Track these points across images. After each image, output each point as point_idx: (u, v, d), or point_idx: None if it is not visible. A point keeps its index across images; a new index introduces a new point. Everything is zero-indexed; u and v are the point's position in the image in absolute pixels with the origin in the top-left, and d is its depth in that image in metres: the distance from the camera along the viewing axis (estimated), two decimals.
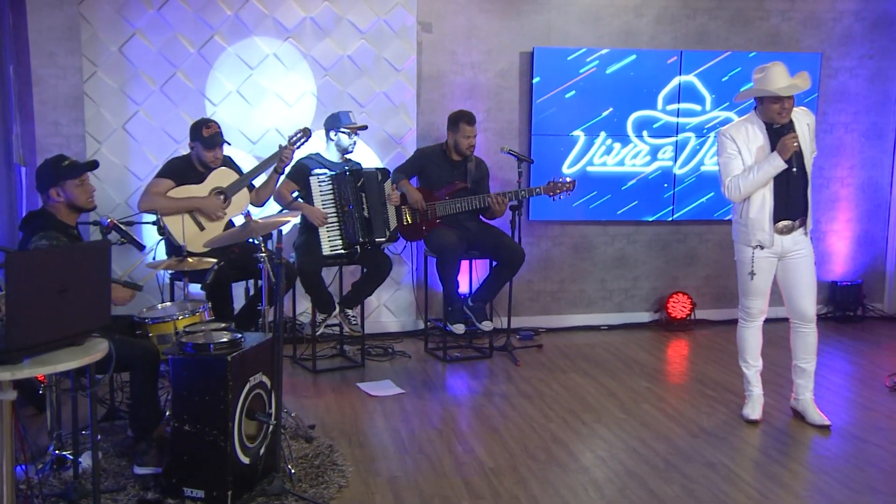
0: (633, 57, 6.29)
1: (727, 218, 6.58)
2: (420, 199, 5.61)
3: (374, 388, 5.11)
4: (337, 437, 4.34)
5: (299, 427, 4.29)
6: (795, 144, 4.24)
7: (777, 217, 4.35)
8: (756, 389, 4.62)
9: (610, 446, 4.27)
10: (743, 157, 4.35)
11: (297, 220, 5.40)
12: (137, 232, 5.46)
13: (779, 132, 4.32)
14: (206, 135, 4.84)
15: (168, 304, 4.36)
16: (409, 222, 5.67)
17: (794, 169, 4.31)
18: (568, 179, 5.64)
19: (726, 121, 6.43)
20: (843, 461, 4.10)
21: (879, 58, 6.73)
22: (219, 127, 4.91)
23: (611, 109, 6.33)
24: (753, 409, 4.60)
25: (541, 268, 6.50)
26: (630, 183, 6.45)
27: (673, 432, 4.45)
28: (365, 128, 5.51)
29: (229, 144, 5.01)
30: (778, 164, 4.25)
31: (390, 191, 5.51)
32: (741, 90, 4.44)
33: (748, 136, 4.35)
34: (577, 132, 6.31)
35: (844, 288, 6.84)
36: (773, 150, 4.29)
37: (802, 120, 4.38)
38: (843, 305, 6.84)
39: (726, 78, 6.41)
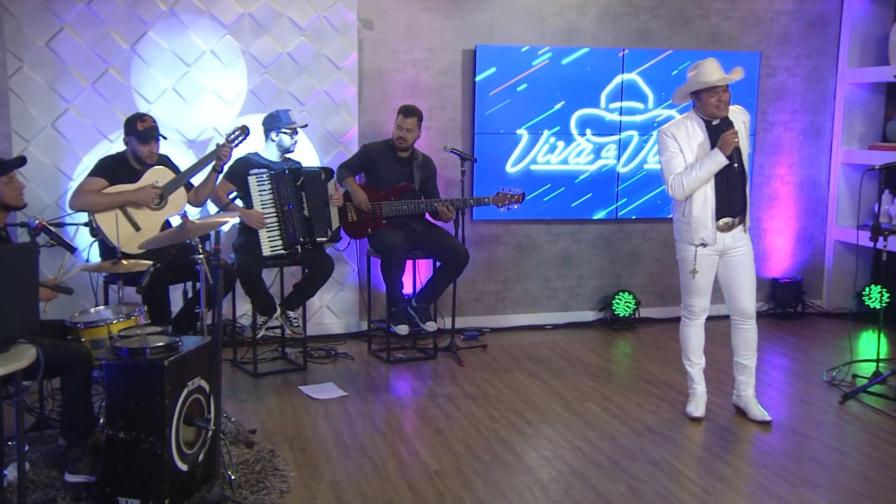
0: (577, 55, 6.36)
1: (670, 216, 6.69)
2: (365, 199, 5.59)
3: (317, 390, 5.08)
4: (278, 441, 4.30)
5: (240, 432, 4.25)
6: (736, 140, 4.33)
7: (718, 214, 4.43)
8: (699, 387, 4.71)
9: (555, 446, 4.31)
10: (684, 155, 4.43)
11: (235, 220, 5.34)
12: (68, 234, 5.35)
13: (718, 129, 4.40)
14: (141, 129, 4.76)
15: (101, 307, 4.27)
16: (354, 220, 5.65)
17: (736, 165, 4.40)
18: (517, 191, 5.67)
19: (669, 119, 6.53)
20: (783, 456, 4.20)
21: (816, 57, 6.91)
22: (154, 121, 4.83)
23: (554, 108, 6.38)
24: (697, 407, 4.68)
25: (485, 268, 6.53)
26: (574, 181, 6.51)
27: (618, 431, 4.51)
28: (305, 126, 5.48)
29: (165, 139, 4.93)
30: (720, 159, 4.34)
31: (333, 190, 5.48)
32: (677, 89, 4.51)
33: (688, 134, 4.44)
34: (520, 130, 6.35)
35: (785, 285, 7.00)
36: (713, 147, 4.38)
37: (738, 118, 4.48)
38: (784, 302, 7.00)
39: (674, 72, 6.51)
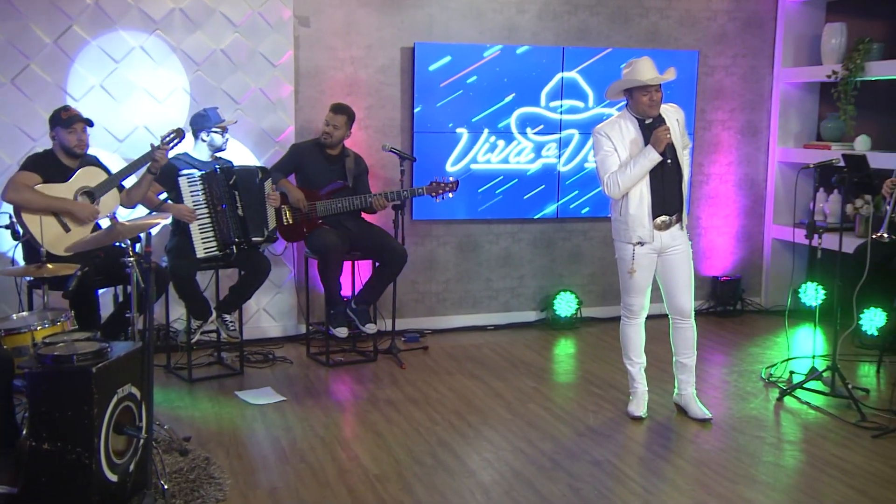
0: (517, 52, 6.39)
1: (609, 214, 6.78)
2: (301, 197, 5.56)
3: (254, 395, 5.03)
4: (214, 448, 4.24)
5: (173, 440, 4.18)
6: (668, 136, 4.39)
7: (655, 213, 4.50)
8: (640, 386, 4.77)
9: (496, 448, 4.33)
10: (619, 154, 4.48)
11: (167, 221, 5.25)
12: None
13: (651, 127, 4.47)
14: (65, 116, 4.66)
15: (25, 313, 4.16)
16: (290, 222, 5.60)
17: (669, 161, 4.46)
18: (451, 179, 5.70)
19: (607, 117, 6.60)
20: (723, 453, 4.29)
21: (752, 57, 7.06)
22: (78, 112, 4.75)
23: (495, 106, 6.41)
24: (638, 406, 4.75)
25: (425, 268, 6.53)
26: (514, 181, 6.55)
27: (559, 431, 4.55)
28: (235, 122, 5.42)
29: (92, 125, 4.81)
30: (653, 156, 4.40)
31: (270, 191, 5.43)
32: (610, 85, 4.57)
33: (622, 133, 4.50)
34: (460, 129, 6.37)
35: (724, 283, 7.14)
36: (644, 144, 4.45)
37: (672, 115, 4.56)
38: (724, 300, 7.14)
39: (614, 70, 6.57)
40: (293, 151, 5.73)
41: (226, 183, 5.26)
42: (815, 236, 5.07)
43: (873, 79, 6.34)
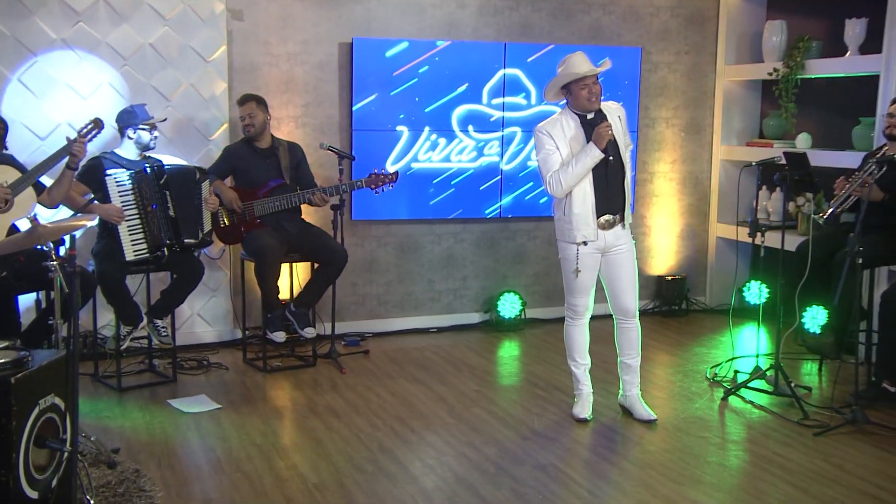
0: (458, 48, 6.40)
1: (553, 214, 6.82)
2: (235, 198, 5.50)
3: (188, 404, 4.95)
4: (145, 460, 4.17)
5: (100, 452, 4.09)
6: (610, 132, 4.43)
7: (598, 211, 4.53)
8: (585, 388, 4.81)
9: (439, 453, 4.33)
10: (561, 152, 4.51)
11: (94, 223, 5.14)
12: None
13: (592, 123, 4.51)
14: None
15: None
16: (227, 224, 5.54)
17: (612, 158, 4.49)
18: (390, 171, 5.68)
19: (550, 114, 6.65)
20: (668, 455, 4.34)
21: (695, 54, 7.18)
22: None
23: (435, 103, 6.41)
24: (583, 408, 4.78)
25: (365, 269, 6.50)
26: (457, 180, 6.56)
27: (503, 435, 4.56)
28: (164, 120, 5.33)
29: (4, 123, 4.68)
30: (595, 154, 4.43)
31: (208, 194, 5.37)
32: (547, 85, 4.60)
33: (564, 131, 4.53)
34: (400, 127, 6.36)
35: (669, 282, 7.25)
36: (586, 141, 4.49)
37: (614, 112, 4.60)
38: (669, 300, 7.24)
39: (560, 65, 6.62)
40: (225, 153, 5.68)
41: (156, 182, 5.17)
42: (758, 234, 5.17)
43: (813, 77, 6.49)
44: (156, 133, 5.25)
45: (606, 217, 4.55)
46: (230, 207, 5.51)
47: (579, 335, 4.74)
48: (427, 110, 6.40)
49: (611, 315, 4.79)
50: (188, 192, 5.28)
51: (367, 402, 5.06)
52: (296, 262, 5.79)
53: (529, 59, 6.58)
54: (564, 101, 4.61)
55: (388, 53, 6.24)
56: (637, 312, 4.71)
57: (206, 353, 5.89)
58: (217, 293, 6.08)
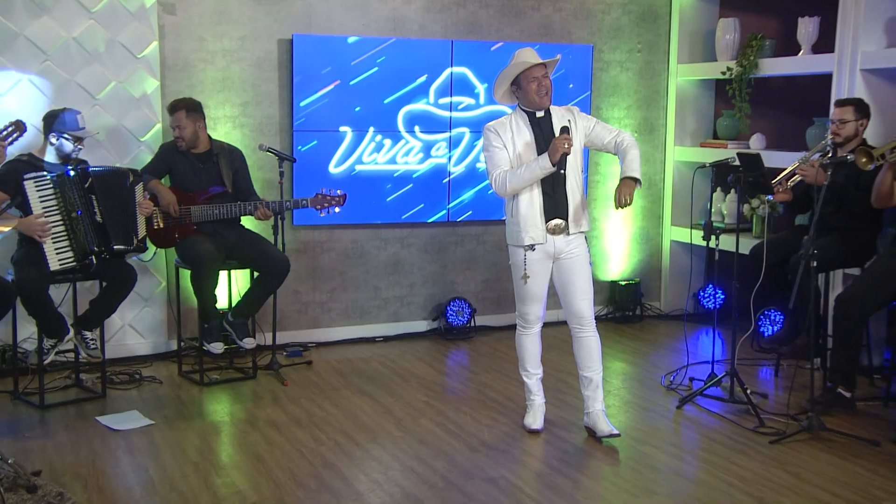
0: (403, 46, 6.40)
1: (504, 218, 6.84)
2: (173, 201, 5.43)
3: (118, 421, 4.86)
4: (69, 482, 4.07)
5: (19, 475, 3.97)
6: (567, 147, 4.37)
7: (547, 215, 4.53)
8: (537, 398, 4.82)
9: (386, 468, 4.31)
10: (508, 150, 4.53)
11: (7, 230, 5.01)
12: None
13: (541, 123, 4.52)
14: None
15: None
16: (161, 226, 5.46)
17: (563, 171, 4.47)
18: (338, 192, 5.65)
19: (499, 114, 6.67)
20: (621, 465, 4.37)
21: (647, 52, 7.26)
22: None
23: (380, 103, 6.40)
24: (535, 419, 4.79)
25: (308, 277, 6.45)
26: (403, 183, 6.54)
27: (452, 448, 4.56)
28: (96, 134, 5.22)
29: None
30: (545, 165, 4.40)
31: (142, 197, 5.29)
32: (496, 81, 4.61)
33: (513, 129, 4.55)
34: (344, 128, 6.33)
35: (623, 287, 7.30)
36: (536, 141, 4.50)
37: (564, 116, 4.58)
38: (623, 305, 7.30)
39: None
40: (162, 151, 5.61)
41: (80, 186, 5.06)
42: (713, 238, 5.24)
43: (767, 76, 6.61)
44: (80, 146, 5.12)
45: (556, 222, 4.55)
46: (167, 210, 5.43)
47: (531, 344, 4.75)
48: (372, 110, 6.38)
49: (564, 322, 4.79)
50: (119, 195, 5.19)
51: (310, 415, 5.01)
52: (234, 269, 5.72)
53: (477, 58, 6.60)
54: (514, 105, 4.61)
55: (331, 51, 6.20)
56: (593, 321, 4.68)
57: (138, 367, 5.79)
58: (150, 303, 5.98)
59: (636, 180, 4.52)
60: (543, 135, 4.54)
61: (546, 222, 4.53)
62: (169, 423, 4.88)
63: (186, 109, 5.46)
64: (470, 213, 6.78)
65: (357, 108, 6.34)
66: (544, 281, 4.64)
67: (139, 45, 5.77)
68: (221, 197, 5.54)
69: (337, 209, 5.66)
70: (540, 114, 4.56)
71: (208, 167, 5.56)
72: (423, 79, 6.50)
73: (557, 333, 5.00)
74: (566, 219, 4.56)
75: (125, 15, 5.71)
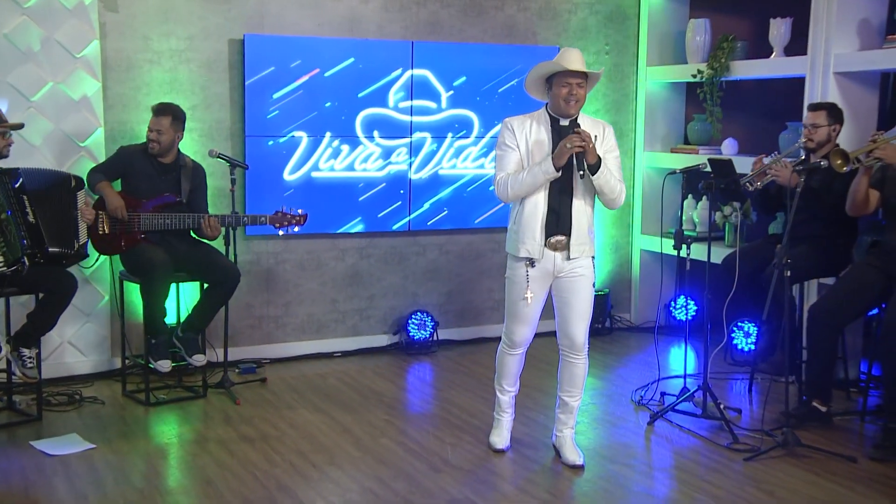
0: (361, 47, 6.37)
1: (470, 227, 6.84)
2: (121, 206, 5.36)
3: (55, 445, 4.77)
4: None
5: None
6: (575, 146, 4.19)
7: (549, 229, 4.38)
8: (506, 416, 4.77)
9: (344, 490, 4.27)
10: (521, 151, 4.39)
11: None
12: None
13: (564, 131, 4.33)
14: None
15: None
16: (106, 232, 5.39)
17: (581, 174, 4.27)
18: (299, 211, 5.64)
19: (462, 118, 6.70)
20: (591, 484, 4.37)
21: (616, 54, 7.30)
22: None
23: (336, 106, 6.36)
24: (501, 438, 4.75)
25: (262, 289, 6.39)
26: (362, 190, 6.51)
27: (414, 468, 4.53)
28: (21, 126, 5.11)
29: None
30: (548, 169, 4.25)
31: (83, 203, 5.22)
32: (530, 71, 4.44)
33: (530, 129, 4.39)
34: (299, 133, 6.29)
35: (594, 298, 7.29)
36: (552, 149, 4.32)
37: (593, 129, 4.38)
38: (592, 317, 7.27)
39: (473, 70, 6.65)
40: (120, 154, 5.56)
41: (9, 186, 4.98)
42: (684, 246, 5.26)
43: (738, 78, 6.67)
44: (10, 139, 5.02)
45: (558, 237, 4.40)
46: (114, 215, 5.36)
47: (512, 363, 4.65)
48: (328, 114, 6.35)
49: (541, 335, 4.74)
50: (57, 198, 5.12)
51: (263, 435, 4.97)
52: (182, 281, 5.66)
53: (438, 60, 6.59)
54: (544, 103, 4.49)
55: (285, 52, 6.16)
56: (586, 347, 4.58)
57: (78, 387, 5.69)
58: (92, 318, 5.89)
59: (597, 165, 4.28)
60: None
61: (546, 238, 4.39)
62: (111, 446, 4.80)
63: (173, 116, 5.46)
64: (432, 221, 6.76)
65: (313, 113, 6.31)
66: (539, 302, 4.50)
67: (78, 43, 5.68)
68: (172, 207, 5.48)
69: (297, 228, 5.65)
70: (564, 122, 4.39)
71: (168, 178, 5.53)
72: (382, 82, 6.47)
73: (532, 349, 4.91)
74: (568, 237, 4.40)
75: (62, 11, 5.62)
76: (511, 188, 4.35)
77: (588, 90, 4.41)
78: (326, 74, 6.30)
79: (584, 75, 4.34)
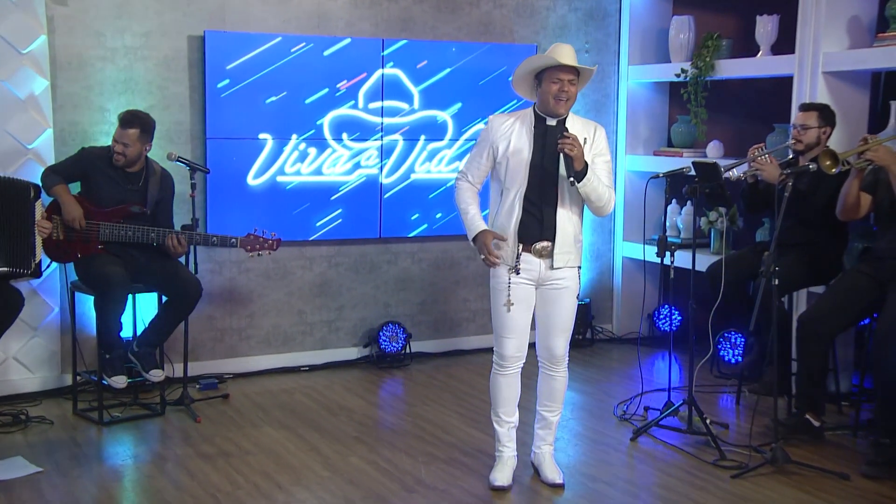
0: (329, 45, 6.34)
1: (444, 234, 6.81)
2: (79, 217, 5.28)
3: None
4: None
5: None
6: (565, 147, 4.13)
7: (531, 235, 4.31)
8: (507, 450, 4.57)
9: None
10: (497, 149, 4.32)
11: None
12: None
13: (550, 132, 4.28)
14: None
15: None
16: (62, 238, 5.33)
17: (572, 180, 4.20)
18: (273, 234, 5.58)
19: (435, 120, 6.67)
20: (571, 503, 4.34)
21: (596, 52, 7.30)
22: None
23: (304, 108, 6.33)
24: (503, 475, 4.53)
25: (224, 300, 6.34)
26: (330, 195, 6.48)
27: (386, 488, 4.51)
28: None
29: None
30: (470, 234, 4.40)
31: (40, 216, 5.13)
32: (519, 65, 4.40)
33: (512, 127, 4.34)
34: (263, 135, 6.24)
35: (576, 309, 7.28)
36: (533, 151, 4.28)
37: (581, 133, 4.32)
38: (573, 328, 7.26)
39: (446, 69, 6.63)
40: (81, 156, 5.48)
41: None
42: (667, 254, 5.24)
43: (724, 78, 6.67)
44: None
45: (543, 244, 4.32)
46: (71, 226, 5.28)
47: (507, 387, 4.49)
48: (294, 116, 6.31)
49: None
50: (15, 212, 5.03)
51: (226, 455, 4.93)
52: (140, 293, 5.59)
53: (410, 59, 6.56)
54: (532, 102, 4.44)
55: (248, 50, 6.12)
56: (566, 359, 4.54)
57: (24, 406, 5.60)
58: (40, 332, 5.81)
59: (584, 172, 4.23)
60: (546, 147, 4.28)
61: (531, 244, 4.32)
62: (61, 469, 4.73)
63: (141, 128, 5.37)
64: (404, 228, 6.73)
65: (278, 114, 6.26)
66: (527, 310, 4.43)
67: (24, 39, 5.59)
68: (135, 219, 5.40)
69: (269, 253, 5.60)
70: (552, 122, 4.34)
71: (133, 188, 5.47)
72: (351, 81, 6.44)
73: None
74: (553, 240, 4.32)
75: (6, 4, 5.52)
76: (457, 203, 4.49)
77: (580, 88, 4.37)
78: (292, 73, 6.26)
79: (576, 72, 4.29)
